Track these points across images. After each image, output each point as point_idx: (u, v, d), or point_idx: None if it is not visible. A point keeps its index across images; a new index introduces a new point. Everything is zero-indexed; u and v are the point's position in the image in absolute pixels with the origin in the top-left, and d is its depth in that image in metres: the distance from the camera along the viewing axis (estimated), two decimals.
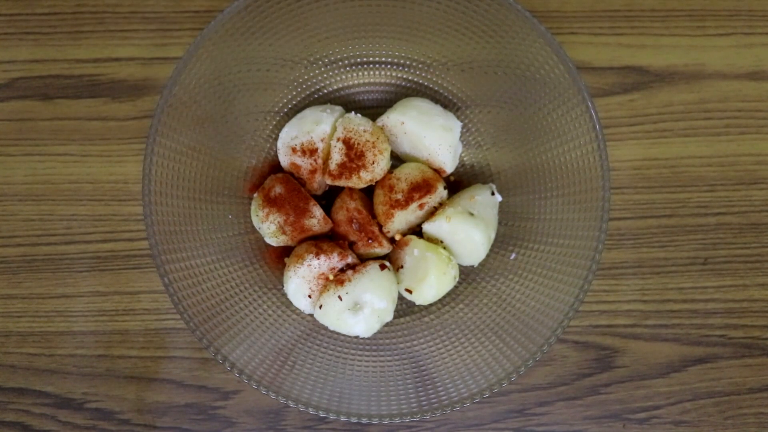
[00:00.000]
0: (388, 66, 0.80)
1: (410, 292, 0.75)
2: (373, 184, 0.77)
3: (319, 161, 0.76)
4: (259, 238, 0.78)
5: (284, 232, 0.75)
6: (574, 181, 0.72)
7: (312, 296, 0.74)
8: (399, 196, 0.74)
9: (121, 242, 0.83)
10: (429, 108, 0.76)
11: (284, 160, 0.77)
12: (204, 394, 0.82)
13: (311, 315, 0.76)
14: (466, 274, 0.79)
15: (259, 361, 0.71)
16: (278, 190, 0.75)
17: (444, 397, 0.70)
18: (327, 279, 0.74)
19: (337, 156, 0.74)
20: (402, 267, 0.76)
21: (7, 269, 0.83)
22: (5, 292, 0.83)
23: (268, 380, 0.70)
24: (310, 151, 0.75)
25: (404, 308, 0.79)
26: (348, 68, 0.80)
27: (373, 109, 0.81)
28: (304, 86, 0.80)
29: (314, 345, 0.76)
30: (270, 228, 0.75)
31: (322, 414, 0.68)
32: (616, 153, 0.84)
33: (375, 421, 0.69)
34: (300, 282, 0.74)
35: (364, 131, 0.74)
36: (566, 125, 0.71)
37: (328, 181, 0.76)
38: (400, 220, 0.75)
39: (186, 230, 0.72)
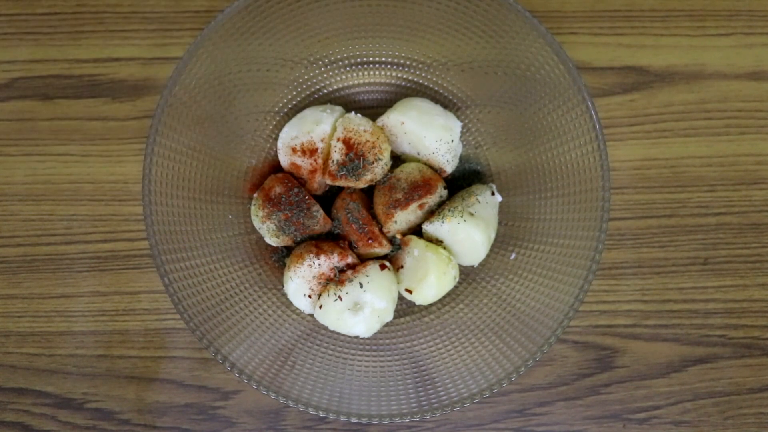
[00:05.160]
0: (388, 66, 0.80)
1: (410, 292, 0.75)
2: (373, 184, 0.77)
3: (319, 161, 0.76)
4: (259, 238, 0.78)
5: (284, 232, 0.75)
6: (574, 181, 0.72)
7: (312, 296, 0.74)
8: (399, 196, 0.74)
9: (121, 242, 0.83)
10: (429, 108, 0.76)
11: (284, 160, 0.77)
12: (204, 394, 0.82)
13: (311, 315, 0.76)
14: (466, 274, 0.79)
15: (259, 361, 0.71)
16: (278, 190, 0.75)
17: (444, 397, 0.70)
18: (327, 279, 0.74)
19: (337, 156, 0.74)
20: (402, 267, 0.76)
21: (7, 269, 0.83)
22: (5, 292, 0.83)
23: (268, 380, 0.70)
24: (310, 151, 0.75)
25: (404, 308, 0.79)
26: (348, 68, 0.80)
27: (373, 109, 0.81)
28: (304, 86, 0.80)
29: (314, 345, 0.76)
30: (270, 228, 0.75)
31: (322, 414, 0.68)
32: (616, 153, 0.84)
33: (375, 421, 0.69)
34: (300, 282, 0.74)
35: (364, 131, 0.74)
36: (566, 125, 0.71)
37: (328, 181, 0.76)
38: (400, 220, 0.75)
39: (186, 230, 0.72)
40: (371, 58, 0.80)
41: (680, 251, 0.84)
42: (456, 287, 0.78)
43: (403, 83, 0.81)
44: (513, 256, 0.77)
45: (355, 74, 0.81)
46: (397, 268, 0.77)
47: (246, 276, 0.76)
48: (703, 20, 0.85)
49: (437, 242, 0.76)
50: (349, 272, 0.73)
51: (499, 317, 0.74)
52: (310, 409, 0.68)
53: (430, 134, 0.75)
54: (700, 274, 0.83)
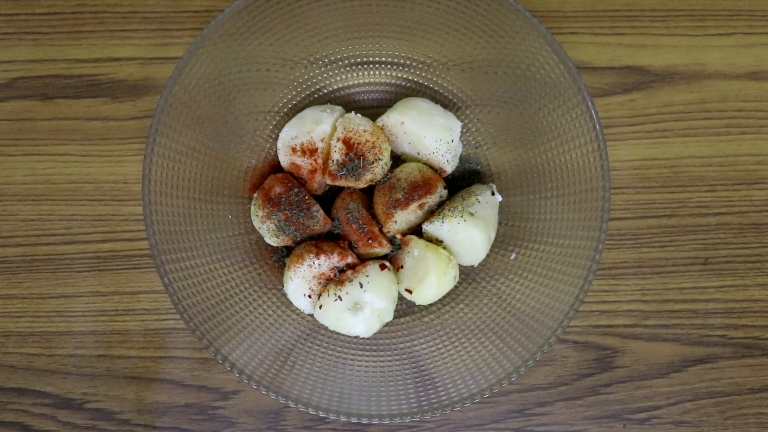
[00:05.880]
0: (388, 66, 0.80)
1: (410, 292, 0.75)
2: (373, 184, 0.77)
3: (319, 161, 0.76)
4: (259, 238, 0.78)
5: (284, 232, 0.75)
6: (574, 181, 0.72)
7: (312, 296, 0.74)
8: (399, 196, 0.74)
9: (121, 242, 0.83)
10: (429, 108, 0.76)
11: (284, 160, 0.77)
12: (204, 394, 0.82)
13: (311, 315, 0.76)
14: (466, 274, 0.79)
15: (259, 361, 0.71)
16: (278, 190, 0.75)
17: (444, 397, 0.70)
18: (327, 279, 0.74)
19: (337, 156, 0.74)
20: (402, 267, 0.76)
21: (7, 269, 0.83)
22: (5, 292, 0.83)
23: (268, 380, 0.70)
24: (310, 151, 0.75)
25: (404, 308, 0.79)
26: (348, 68, 0.80)
27: (373, 109, 0.81)
28: (304, 86, 0.80)
29: (314, 345, 0.76)
30: (270, 228, 0.75)
31: (322, 414, 0.68)
32: (616, 153, 0.84)
33: (375, 421, 0.69)
34: (300, 282, 0.74)
35: (364, 131, 0.74)
36: (566, 125, 0.71)
37: (328, 181, 0.76)
38: (400, 220, 0.75)
39: (186, 230, 0.72)
40: (371, 58, 0.80)
41: (680, 251, 0.83)
42: (456, 287, 0.78)
43: (403, 83, 0.81)
44: (513, 256, 0.77)
45: (355, 74, 0.81)
46: (397, 268, 0.77)
47: (246, 276, 0.76)
48: (703, 20, 0.85)
49: (437, 242, 0.76)
50: (349, 272, 0.73)
51: (499, 317, 0.74)
52: (310, 409, 0.68)
53: (430, 134, 0.75)
54: (701, 274, 0.83)
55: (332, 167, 0.74)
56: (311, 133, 0.75)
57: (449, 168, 0.78)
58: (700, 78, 0.85)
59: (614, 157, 0.84)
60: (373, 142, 0.74)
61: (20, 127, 0.84)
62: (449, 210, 0.74)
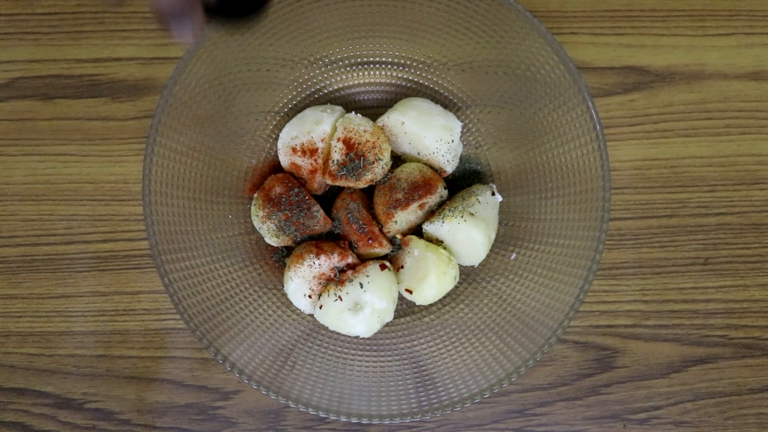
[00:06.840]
0: (388, 66, 0.80)
1: (410, 292, 0.75)
2: (373, 184, 0.77)
3: (320, 161, 0.76)
4: (259, 238, 0.78)
5: (284, 232, 0.75)
6: (574, 181, 0.72)
7: (312, 296, 0.74)
8: (399, 196, 0.74)
9: (121, 242, 0.83)
10: (429, 108, 0.76)
11: (284, 160, 0.77)
12: (204, 394, 0.82)
13: (311, 315, 0.76)
14: (466, 274, 0.79)
15: (259, 361, 0.71)
16: (278, 190, 0.75)
17: (444, 397, 0.70)
18: (327, 279, 0.74)
19: (337, 156, 0.74)
20: (402, 267, 0.76)
21: (7, 269, 0.83)
22: (5, 292, 0.83)
23: (268, 380, 0.70)
24: (310, 151, 0.75)
25: (404, 308, 0.79)
26: (348, 68, 0.80)
27: (373, 109, 0.81)
28: (304, 86, 0.80)
29: (314, 345, 0.76)
30: (270, 228, 0.75)
31: (322, 414, 0.68)
32: (617, 153, 0.84)
33: (375, 421, 0.69)
34: (300, 282, 0.74)
35: (365, 131, 0.74)
36: (566, 125, 0.71)
37: (329, 181, 0.76)
38: (401, 220, 0.75)
39: (186, 230, 0.72)
40: (371, 58, 0.80)
41: (681, 251, 0.83)
42: (456, 287, 0.78)
43: (403, 83, 0.81)
44: (513, 256, 0.77)
45: (355, 74, 0.81)
46: (397, 268, 0.77)
47: (246, 276, 0.76)
48: (703, 20, 0.85)
49: (437, 242, 0.76)
50: (349, 272, 0.73)
51: (499, 317, 0.74)
52: (310, 409, 0.68)
53: (430, 134, 0.75)
54: (701, 274, 0.83)
55: (332, 167, 0.74)
56: (311, 133, 0.75)
57: (449, 168, 0.78)
58: (701, 78, 0.85)
59: (614, 157, 0.84)
60: (374, 142, 0.74)
61: (20, 127, 0.84)
62: (449, 210, 0.74)
